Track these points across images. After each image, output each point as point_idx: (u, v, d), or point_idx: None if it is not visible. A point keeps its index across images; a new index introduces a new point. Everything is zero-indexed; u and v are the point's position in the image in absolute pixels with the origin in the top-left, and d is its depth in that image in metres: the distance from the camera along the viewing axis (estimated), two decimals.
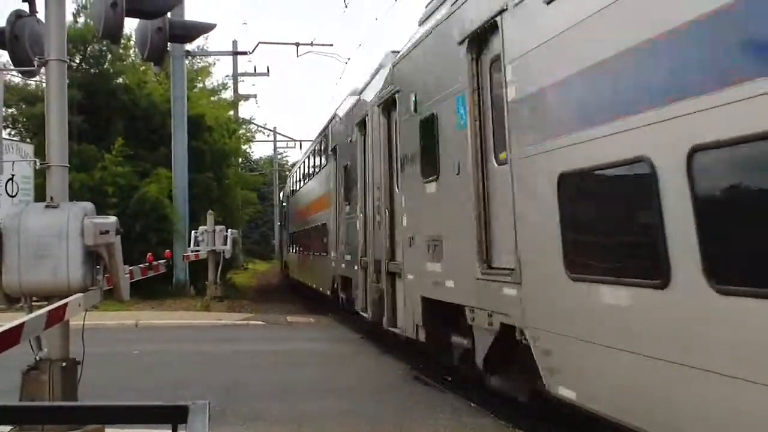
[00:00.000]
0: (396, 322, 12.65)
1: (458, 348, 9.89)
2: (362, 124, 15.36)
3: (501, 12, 7.82)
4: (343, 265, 18.26)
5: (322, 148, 23.56)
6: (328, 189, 21.39)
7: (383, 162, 13.28)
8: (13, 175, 18.14)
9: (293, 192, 35.52)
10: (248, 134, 44.10)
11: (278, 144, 69.09)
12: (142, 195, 25.13)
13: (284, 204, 42.22)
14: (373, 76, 15.80)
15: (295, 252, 33.28)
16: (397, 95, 12.08)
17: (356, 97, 17.46)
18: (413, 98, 10.95)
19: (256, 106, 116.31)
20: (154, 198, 25.26)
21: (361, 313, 15.54)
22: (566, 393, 6.73)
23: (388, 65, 13.52)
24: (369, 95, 15.00)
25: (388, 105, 13.04)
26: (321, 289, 23.24)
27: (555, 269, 6.65)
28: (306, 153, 31.17)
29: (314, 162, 26.45)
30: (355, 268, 15.98)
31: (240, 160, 41.56)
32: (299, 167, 33.46)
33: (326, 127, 22.76)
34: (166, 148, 27.44)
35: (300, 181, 32.03)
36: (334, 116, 20.81)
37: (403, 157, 11.77)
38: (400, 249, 12.08)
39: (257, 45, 47.30)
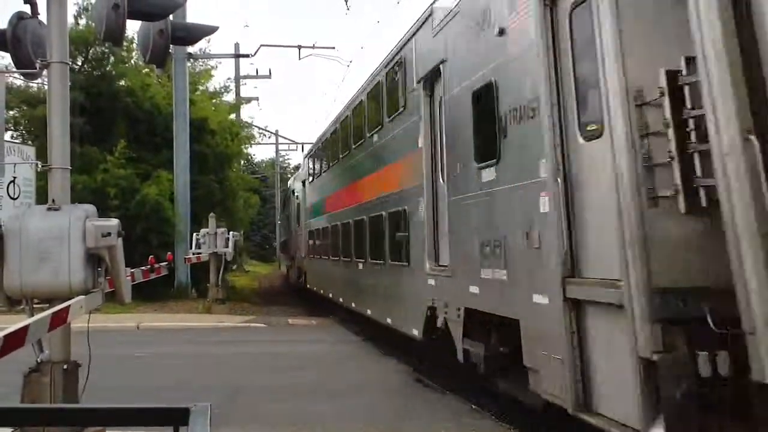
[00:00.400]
0: None
1: None
2: None
3: None
4: (472, 289, 9.44)
5: (388, 89, 14.78)
6: (406, 152, 13.02)
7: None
8: (14, 178, 18.19)
9: (317, 174, 25.84)
10: (249, 136, 44.00)
11: (280, 147, 69.21)
12: (141, 197, 25.16)
13: (296, 194, 32.80)
14: None
15: (321, 257, 24.08)
16: None
17: None
18: None
19: (258, 108, 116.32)
20: (154, 200, 25.26)
21: (578, 414, 6.78)
22: None
23: None
24: None
25: None
26: (390, 321, 14.30)
27: None
28: (341, 114, 20.90)
29: (363, 120, 17.25)
30: (538, 299, 7.54)
31: (242, 162, 41.61)
32: (326, 137, 23.66)
33: (400, 50, 13.62)
34: (168, 150, 27.46)
35: (330, 156, 22.53)
36: (428, 18, 11.65)
37: None
38: None
39: (259, 48, 47.36)
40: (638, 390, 5.81)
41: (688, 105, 5.62)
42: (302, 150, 56.74)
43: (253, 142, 47.42)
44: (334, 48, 58.14)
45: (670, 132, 5.73)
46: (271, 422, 9.00)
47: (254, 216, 50.17)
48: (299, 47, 37.69)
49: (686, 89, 5.65)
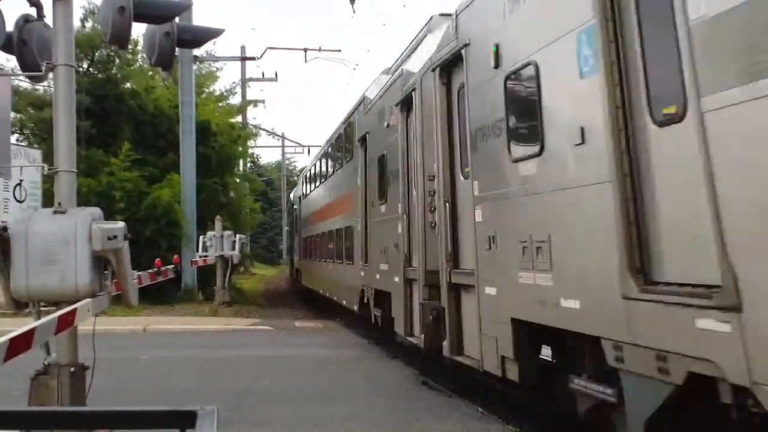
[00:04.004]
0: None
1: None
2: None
3: None
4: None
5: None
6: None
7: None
8: (21, 180, 18.23)
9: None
10: (250, 134, 43.80)
11: (286, 149, 69.33)
12: (153, 199, 25.11)
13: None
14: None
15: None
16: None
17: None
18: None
19: (264, 111, 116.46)
20: (166, 203, 25.26)
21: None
22: None
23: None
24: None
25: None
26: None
27: None
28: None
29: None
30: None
31: (248, 165, 41.53)
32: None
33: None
34: (173, 153, 27.50)
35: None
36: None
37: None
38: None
39: (265, 51, 47.38)
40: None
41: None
42: (308, 153, 56.91)
43: (255, 139, 47.28)
44: (340, 51, 58.03)
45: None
46: (278, 425, 8.99)
47: (260, 220, 50.19)
48: (305, 50, 37.76)
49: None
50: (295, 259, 39.21)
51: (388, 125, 13.87)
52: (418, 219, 11.62)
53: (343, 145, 20.83)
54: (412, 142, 12.25)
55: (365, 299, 16.65)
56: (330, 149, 24.41)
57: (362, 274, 16.98)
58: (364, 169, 16.82)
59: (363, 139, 16.95)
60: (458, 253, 10.06)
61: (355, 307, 17.95)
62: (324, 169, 25.99)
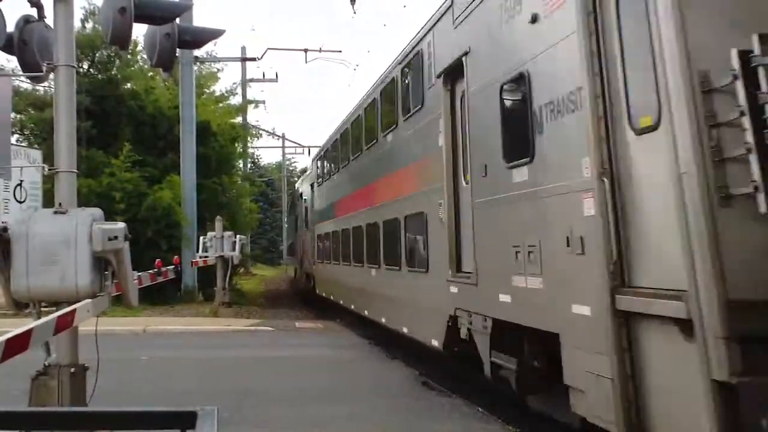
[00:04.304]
0: None
1: None
2: None
3: None
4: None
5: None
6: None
7: None
8: (21, 181, 18.22)
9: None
10: (252, 134, 43.68)
11: (287, 150, 69.32)
12: (154, 200, 25.07)
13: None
14: None
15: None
16: None
17: None
18: None
19: (264, 111, 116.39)
20: (167, 204, 25.26)
21: None
22: None
23: None
24: None
25: None
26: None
27: None
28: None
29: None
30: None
31: (248, 166, 41.44)
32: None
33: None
34: (173, 153, 27.48)
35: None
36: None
37: None
38: None
39: (266, 51, 47.37)
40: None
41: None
42: (308, 153, 56.80)
43: (257, 139, 47.19)
44: (340, 52, 58.05)
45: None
46: (278, 426, 8.99)
47: (259, 220, 50.07)
48: (306, 51, 37.77)
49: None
50: (304, 261, 32.22)
51: (534, 19, 7.79)
52: (684, 184, 5.32)
53: (400, 92, 14.38)
54: (617, 26, 6.42)
55: (462, 333, 10.31)
56: (369, 107, 17.40)
57: (454, 290, 10.59)
58: (452, 117, 10.95)
59: (453, 69, 10.69)
60: None
61: (436, 343, 11.58)
62: (359, 137, 18.74)
